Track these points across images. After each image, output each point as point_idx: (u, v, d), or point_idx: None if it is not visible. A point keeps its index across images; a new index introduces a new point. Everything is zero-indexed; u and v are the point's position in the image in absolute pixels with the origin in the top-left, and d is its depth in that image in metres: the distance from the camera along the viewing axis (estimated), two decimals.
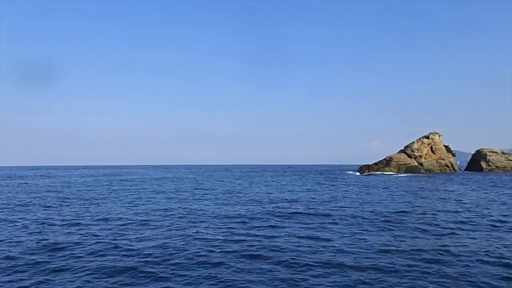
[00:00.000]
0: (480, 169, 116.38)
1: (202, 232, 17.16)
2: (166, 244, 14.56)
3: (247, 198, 32.91)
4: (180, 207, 26.66)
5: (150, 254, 13.23)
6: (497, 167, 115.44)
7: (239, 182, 59.86)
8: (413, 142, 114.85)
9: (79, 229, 18.18)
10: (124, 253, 13.42)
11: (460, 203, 29.26)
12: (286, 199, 32.44)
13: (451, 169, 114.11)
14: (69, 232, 17.48)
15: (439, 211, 24.63)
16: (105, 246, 14.38)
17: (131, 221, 20.49)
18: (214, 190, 43.19)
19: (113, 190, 42.48)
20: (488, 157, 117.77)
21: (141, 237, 16.19)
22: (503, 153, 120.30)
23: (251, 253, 13.37)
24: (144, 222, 20.12)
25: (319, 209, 25.14)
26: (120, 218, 21.71)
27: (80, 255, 13.24)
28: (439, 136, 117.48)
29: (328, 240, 15.64)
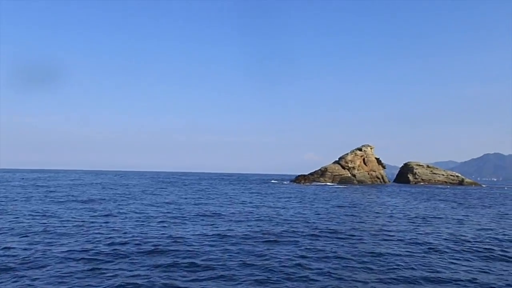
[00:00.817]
0: (408, 181, 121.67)
1: (113, 263, 13.51)
2: None
3: (180, 213, 29.28)
4: (91, 222, 22.44)
5: None
6: (422, 179, 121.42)
7: (174, 192, 55.47)
8: (347, 154, 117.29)
9: None
10: None
11: (406, 216, 28.07)
12: (223, 214, 29.29)
13: (382, 181, 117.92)
14: None
15: (390, 229, 22.93)
16: None
17: (20, 242, 16.18)
18: (140, 200, 38.64)
19: (21, 198, 36.33)
20: (415, 170, 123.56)
21: (25, 277, 12.13)
22: (428, 166, 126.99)
23: None
24: (36, 246, 15.91)
25: (261, 227, 22.34)
26: (15, 243, 17.22)
27: None
28: (371, 148, 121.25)
29: (276, 270, 12.82)
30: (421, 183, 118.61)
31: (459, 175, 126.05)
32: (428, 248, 17.01)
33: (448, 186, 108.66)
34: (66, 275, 11.74)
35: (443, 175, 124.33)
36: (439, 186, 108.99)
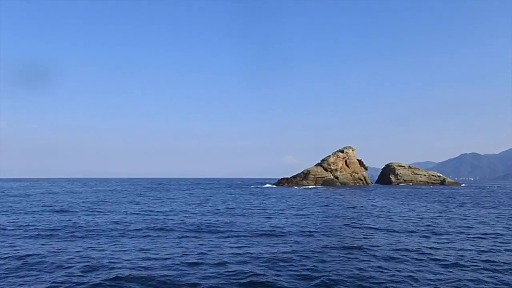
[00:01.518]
0: (390, 182, 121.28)
1: None
2: None
3: (162, 225, 26.36)
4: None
5: None
6: (404, 180, 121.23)
7: (156, 199, 52.17)
8: (329, 156, 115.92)
9: None
10: None
11: (412, 222, 26.01)
12: (211, 225, 26.54)
13: (364, 182, 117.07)
14: None
15: (404, 241, 20.74)
16: None
17: None
18: (119, 209, 35.21)
19: None
20: (396, 171, 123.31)
21: None
22: (409, 167, 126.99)
23: None
24: None
25: (258, 241, 19.76)
26: None
27: None
28: (352, 150, 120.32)
29: None
30: (403, 184, 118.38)
31: (441, 175, 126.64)
32: (453, 264, 14.82)
33: (431, 186, 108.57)
34: None
35: (424, 175, 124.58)
36: (423, 186, 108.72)
